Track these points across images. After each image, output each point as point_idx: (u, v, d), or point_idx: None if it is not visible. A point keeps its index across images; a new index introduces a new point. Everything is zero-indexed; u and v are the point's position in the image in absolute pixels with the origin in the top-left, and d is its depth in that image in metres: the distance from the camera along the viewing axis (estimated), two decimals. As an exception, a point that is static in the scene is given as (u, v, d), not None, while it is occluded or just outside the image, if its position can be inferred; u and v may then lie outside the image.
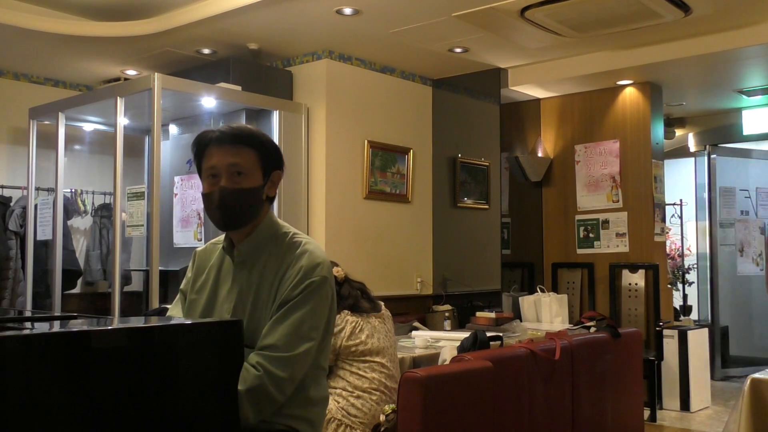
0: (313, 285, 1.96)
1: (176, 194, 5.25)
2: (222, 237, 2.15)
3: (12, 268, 5.53)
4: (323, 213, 5.25)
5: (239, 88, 5.04)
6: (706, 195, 7.77)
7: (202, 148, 2.03)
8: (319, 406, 2.09)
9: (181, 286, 2.21)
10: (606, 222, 6.34)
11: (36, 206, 5.47)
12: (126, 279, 5.84)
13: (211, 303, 2.08)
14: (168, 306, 2.29)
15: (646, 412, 5.41)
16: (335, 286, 3.54)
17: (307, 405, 2.02)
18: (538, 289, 6.15)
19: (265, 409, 1.88)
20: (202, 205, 2.46)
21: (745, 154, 7.83)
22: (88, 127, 5.87)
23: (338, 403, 3.37)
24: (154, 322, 1.99)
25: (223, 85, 4.98)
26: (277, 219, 2.13)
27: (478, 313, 5.46)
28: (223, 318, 2.02)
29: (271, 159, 2.05)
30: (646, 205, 6.18)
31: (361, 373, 3.42)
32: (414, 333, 4.85)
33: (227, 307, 2.03)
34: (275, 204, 5.03)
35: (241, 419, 1.81)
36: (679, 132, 7.77)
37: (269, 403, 1.88)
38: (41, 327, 1.76)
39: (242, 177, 1.99)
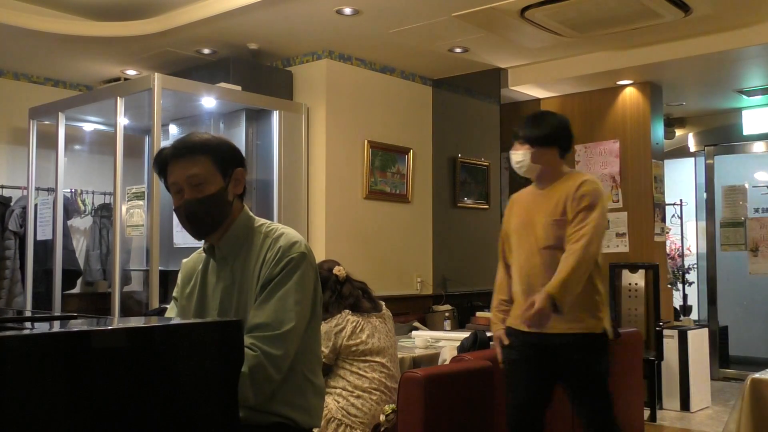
0: (293, 261, 2.01)
1: (176, 194, 5.25)
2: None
3: (9, 268, 5.53)
4: (323, 213, 5.24)
5: (239, 88, 5.04)
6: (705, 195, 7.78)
7: (162, 168, 2.09)
8: (317, 396, 2.11)
9: (174, 293, 2.27)
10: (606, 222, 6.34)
11: (36, 206, 5.48)
12: (126, 279, 5.84)
13: (201, 305, 2.14)
14: (168, 306, 2.33)
15: (646, 412, 5.41)
16: (338, 286, 3.57)
17: (304, 392, 2.04)
18: (538, 289, 6.14)
19: (265, 388, 1.93)
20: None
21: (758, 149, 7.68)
22: (88, 127, 5.87)
23: (338, 402, 3.37)
24: (154, 322, 1.99)
25: (223, 85, 4.98)
26: (252, 214, 2.18)
27: (478, 313, 5.46)
28: (213, 317, 2.06)
29: (227, 160, 2.09)
30: (646, 205, 6.18)
31: (361, 372, 3.42)
32: (414, 333, 4.85)
33: (214, 304, 2.09)
34: (275, 206, 5.09)
35: (241, 401, 1.82)
36: (679, 132, 7.76)
37: (268, 382, 1.93)
38: (41, 327, 1.76)
39: (203, 185, 2.04)
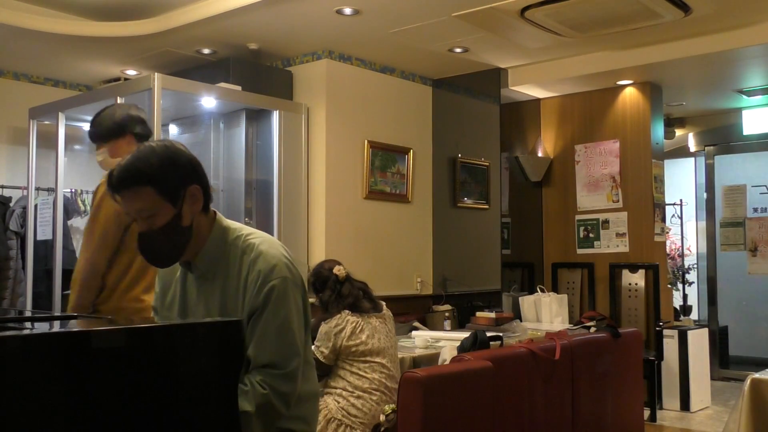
0: (275, 290, 1.94)
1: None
2: None
3: (12, 268, 5.53)
4: (323, 213, 5.24)
5: (239, 88, 5.04)
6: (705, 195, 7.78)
7: (116, 195, 1.95)
8: (310, 402, 2.11)
9: (153, 303, 2.22)
10: (606, 222, 6.34)
11: (36, 206, 5.47)
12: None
13: (183, 317, 2.09)
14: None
15: (646, 412, 5.41)
16: (337, 285, 3.58)
17: (299, 403, 2.03)
18: (538, 289, 6.15)
19: (273, 423, 1.93)
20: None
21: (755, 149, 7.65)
22: (88, 127, 5.86)
23: (338, 403, 3.37)
24: (154, 322, 1.99)
25: (223, 85, 4.98)
26: (227, 224, 2.07)
27: (478, 313, 5.46)
28: None
29: (174, 183, 1.93)
30: (646, 205, 6.18)
31: (361, 373, 3.42)
32: (414, 333, 4.85)
33: (199, 317, 2.04)
34: (275, 206, 5.08)
35: None
36: (679, 132, 7.77)
37: (276, 417, 1.93)
38: (41, 327, 1.76)
39: (153, 218, 1.92)
